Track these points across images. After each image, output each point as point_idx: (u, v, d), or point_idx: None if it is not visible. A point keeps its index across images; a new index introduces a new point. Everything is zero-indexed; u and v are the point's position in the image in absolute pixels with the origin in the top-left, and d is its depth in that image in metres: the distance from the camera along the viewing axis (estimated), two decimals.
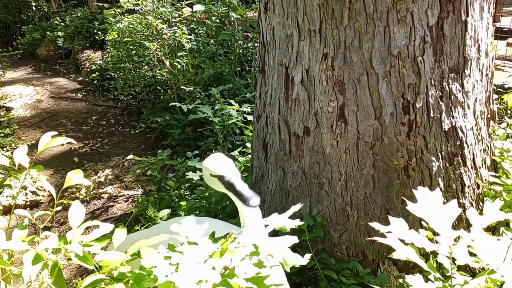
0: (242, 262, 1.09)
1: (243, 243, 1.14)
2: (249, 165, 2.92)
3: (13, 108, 5.92)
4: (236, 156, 3.37)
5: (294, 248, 1.26)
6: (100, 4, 6.95)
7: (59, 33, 8.10)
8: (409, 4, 1.89)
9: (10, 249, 1.22)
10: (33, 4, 9.46)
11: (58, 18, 8.62)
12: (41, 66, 8.11)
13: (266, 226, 1.35)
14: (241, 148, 3.48)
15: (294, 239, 1.21)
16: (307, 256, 1.20)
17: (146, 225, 2.79)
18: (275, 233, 1.50)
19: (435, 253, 1.22)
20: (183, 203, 2.90)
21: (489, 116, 2.34)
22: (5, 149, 4.69)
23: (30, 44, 8.70)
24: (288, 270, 1.20)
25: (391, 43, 1.94)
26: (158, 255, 1.11)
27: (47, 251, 1.11)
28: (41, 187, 3.87)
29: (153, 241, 1.16)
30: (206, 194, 2.83)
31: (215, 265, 1.06)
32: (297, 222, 1.30)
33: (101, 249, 1.15)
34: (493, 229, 2.19)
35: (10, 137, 5.03)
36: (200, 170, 3.21)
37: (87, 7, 8.79)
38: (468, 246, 1.18)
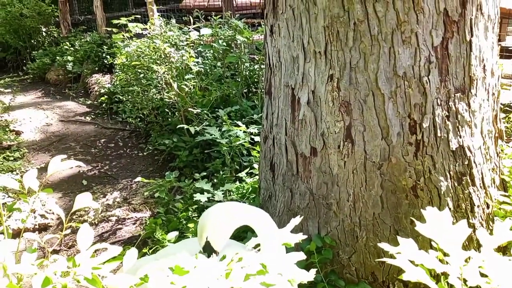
0: (252, 281, 1.09)
1: (259, 260, 1.13)
2: (257, 186, 2.92)
3: (22, 132, 5.98)
4: (244, 177, 3.37)
5: (303, 269, 1.25)
6: (108, 29, 7.07)
7: (69, 57, 8.23)
8: (414, 25, 1.91)
9: (19, 272, 1.22)
10: (43, 29, 9.65)
11: (67, 43, 8.77)
12: (51, 90, 8.21)
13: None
14: (248, 169, 3.48)
15: (301, 255, 1.20)
16: (313, 271, 1.19)
17: (154, 248, 2.78)
18: None
19: (445, 274, 1.21)
20: (191, 225, 2.90)
21: (496, 135, 2.34)
22: (14, 172, 4.73)
23: (40, 69, 8.83)
24: (296, 286, 1.19)
25: (396, 64, 1.95)
26: (166, 279, 1.11)
27: (55, 274, 1.11)
28: (50, 210, 3.88)
29: (162, 264, 1.16)
30: None
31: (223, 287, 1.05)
32: (300, 236, 1.29)
33: (110, 272, 1.15)
34: (504, 249, 2.16)
35: (19, 161, 5.07)
36: (208, 191, 3.22)
37: (96, 32, 8.95)
38: (479, 267, 1.16)
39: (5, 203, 3.80)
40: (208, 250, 1.74)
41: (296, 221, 1.36)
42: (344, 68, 2.01)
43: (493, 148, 2.30)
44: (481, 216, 2.19)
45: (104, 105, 6.67)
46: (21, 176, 4.32)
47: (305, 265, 2.07)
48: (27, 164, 5.03)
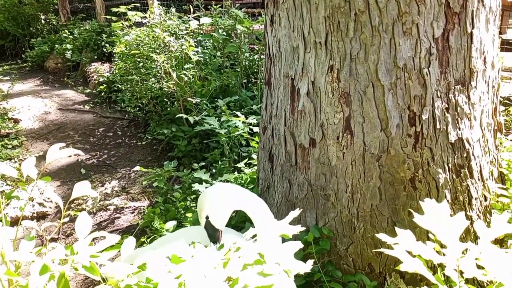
0: (249, 271, 1.09)
1: (256, 250, 1.14)
2: (255, 176, 2.93)
3: (21, 120, 5.96)
4: (242, 168, 3.37)
5: (300, 260, 1.25)
6: (108, 17, 7.02)
7: (68, 45, 8.18)
8: (415, 17, 1.90)
9: (17, 260, 1.22)
10: (42, 17, 9.58)
11: (66, 31, 8.71)
12: (49, 78, 8.18)
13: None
14: (247, 159, 3.48)
15: (299, 245, 1.21)
16: (310, 262, 1.20)
17: (152, 237, 2.79)
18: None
19: (442, 266, 1.21)
20: (189, 214, 2.90)
21: (496, 127, 2.34)
22: (13, 160, 4.73)
23: (38, 57, 8.79)
24: (292, 277, 1.20)
25: (396, 55, 1.94)
26: (164, 268, 1.11)
27: (53, 262, 1.12)
28: (48, 198, 3.89)
29: (159, 253, 1.16)
30: None
31: (220, 276, 1.06)
32: (298, 228, 1.29)
33: (108, 260, 1.16)
34: (501, 242, 2.17)
35: (18, 149, 5.07)
36: (206, 181, 3.22)
37: (95, 20, 8.89)
38: (475, 259, 1.17)
39: (3, 191, 3.81)
40: (210, 229, 1.73)
41: (295, 213, 1.37)
42: (344, 59, 2.00)
43: (492, 141, 2.30)
44: (478, 209, 2.20)
45: (103, 94, 6.65)
46: (20, 164, 4.32)
47: (303, 256, 2.08)
48: (26, 152, 5.02)
